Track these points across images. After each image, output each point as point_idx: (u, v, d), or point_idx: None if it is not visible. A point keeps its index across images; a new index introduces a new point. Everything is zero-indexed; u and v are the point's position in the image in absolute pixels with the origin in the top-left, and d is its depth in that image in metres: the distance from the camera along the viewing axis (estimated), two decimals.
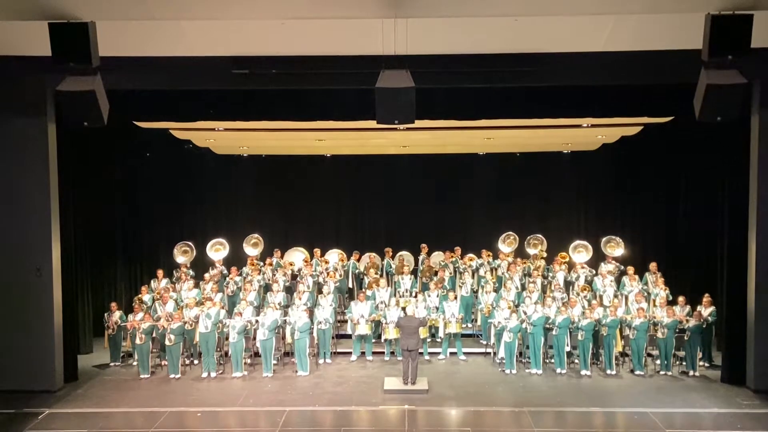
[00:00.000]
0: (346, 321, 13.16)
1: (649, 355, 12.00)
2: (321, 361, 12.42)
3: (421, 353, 12.22)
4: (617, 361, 11.94)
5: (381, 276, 14.78)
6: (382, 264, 15.61)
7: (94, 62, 7.56)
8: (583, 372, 11.65)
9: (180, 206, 16.79)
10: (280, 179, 17.49)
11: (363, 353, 12.77)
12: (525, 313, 12.10)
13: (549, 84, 10.39)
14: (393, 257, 15.58)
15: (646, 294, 13.12)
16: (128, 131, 12.91)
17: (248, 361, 12.19)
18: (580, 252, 14.86)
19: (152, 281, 14.19)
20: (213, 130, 13.16)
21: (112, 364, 12.57)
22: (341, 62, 9.93)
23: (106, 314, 12.77)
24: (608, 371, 11.68)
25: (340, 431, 9.14)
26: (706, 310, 11.89)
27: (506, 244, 15.78)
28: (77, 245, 12.18)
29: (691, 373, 11.60)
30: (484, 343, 13.19)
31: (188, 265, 14.74)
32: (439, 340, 12.92)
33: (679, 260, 15.02)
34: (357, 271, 15.26)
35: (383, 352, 12.76)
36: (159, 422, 9.46)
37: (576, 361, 11.97)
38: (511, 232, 15.93)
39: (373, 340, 12.92)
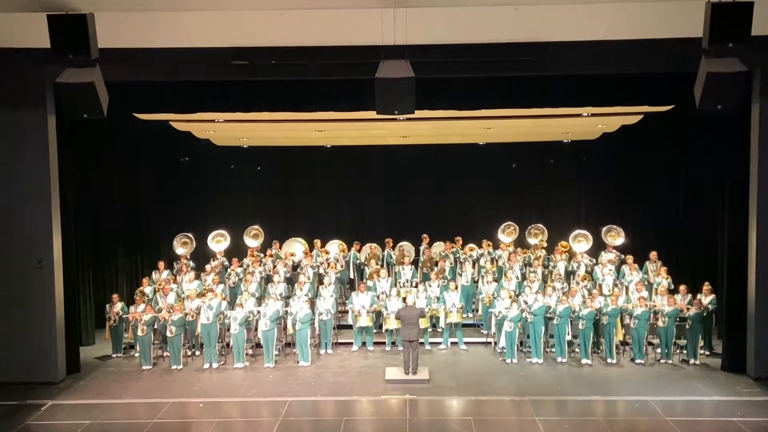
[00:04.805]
0: (347, 312, 13.20)
1: (649, 343, 12.04)
2: (322, 351, 12.47)
3: (422, 343, 12.27)
4: (618, 350, 11.97)
5: (382, 266, 14.79)
6: (383, 254, 15.62)
7: (93, 54, 7.56)
8: (584, 361, 11.69)
9: (181, 198, 16.79)
10: (281, 170, 17.51)
11: (364, 344, 12.80)
12: (525, 302, 12.11)
13: (549, 73, 10.37)
14: (393, 248, 15.58)
15: (646, 283, 13.14)
16: (128, 123, 12.88)
17: (250, 351, 12.25)
18: (580, 241, 14.89)
19: (153, 273, 14.20)
20: (213, 121, 13.16)
21: (114, 355, 12.61)
22: (341, 53, 9.91)
23: (107, 306, 12.79)
24: (609, 360, 11.71)
25: (342, 421, 9.16)
26: (707, 299, 11.89)
27: (506, 234, 15.80)
28: (78, 237, 12.16)
29: (692, 361, 11.64)
30: (485, 332, 13.22)
31: (188, 257, 14.75)
32: (440, 330, 12.95)
33: (680, 249, 15.01)
34: (358, 261, 15.26)
35: (384, 343, 12.80)
36: (161, 413, 9.50)
37: (576, 350, 12.01)
38: (511, 222, 15.97)
39: (374, 331, 12.95)
